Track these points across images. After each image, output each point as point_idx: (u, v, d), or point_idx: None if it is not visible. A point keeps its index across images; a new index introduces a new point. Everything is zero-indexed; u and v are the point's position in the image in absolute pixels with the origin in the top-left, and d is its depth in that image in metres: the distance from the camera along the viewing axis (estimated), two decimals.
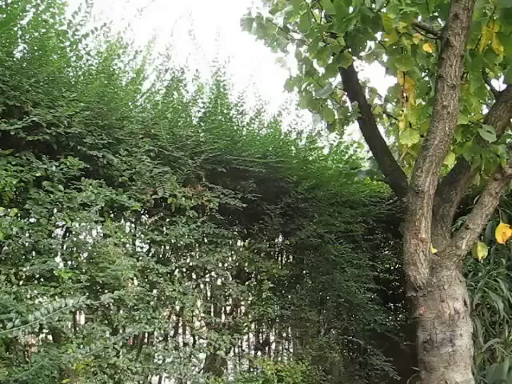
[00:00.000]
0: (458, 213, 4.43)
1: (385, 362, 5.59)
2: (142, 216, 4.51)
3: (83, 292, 3.47)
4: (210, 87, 4.85)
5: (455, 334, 3.50)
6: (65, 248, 3.78)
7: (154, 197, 4.15)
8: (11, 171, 3.45)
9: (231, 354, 5.12)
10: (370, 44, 4.20)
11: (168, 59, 4.66)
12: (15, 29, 3.59)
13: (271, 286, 4.95)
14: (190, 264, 4.67)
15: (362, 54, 4.13)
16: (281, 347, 5.83)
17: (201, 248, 4.71)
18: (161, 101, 4.60)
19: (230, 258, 5.09)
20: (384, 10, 3.61)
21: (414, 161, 4.03)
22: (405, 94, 3.97)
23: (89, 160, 3.84)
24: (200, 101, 4.83)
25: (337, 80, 4.49)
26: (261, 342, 5.64)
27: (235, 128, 4.82)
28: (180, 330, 4.92)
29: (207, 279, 5.03)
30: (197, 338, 4.84)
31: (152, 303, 4.08)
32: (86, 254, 3.87)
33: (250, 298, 5.08)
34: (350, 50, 3.93)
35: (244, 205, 4.57)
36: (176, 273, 4.65)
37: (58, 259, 3.72)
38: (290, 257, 6.00)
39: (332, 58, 4.04)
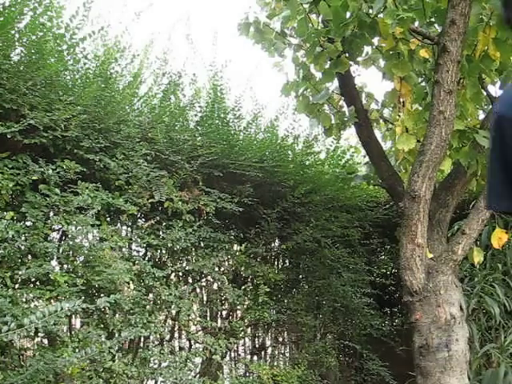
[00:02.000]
0: (455, 218, 4.44)
1: (381, 367, 5.59)
2: (139, 220, 4.50)
3: (79, 296, 3.45)
4: (207, 91, 4.86)
5: (451, 339, 3.50)
6: (61, 251, 3.77)
7: (150, 201, 4.14)
8: (7, 174, 3.44)
9: (227, 358, 5.10)
10: (367, 49, 4.22)
11: (165, 63, 4.66)
12: (12, 32, 3.58)
13: (267, 290, 4.94)
14: (187, 268, 4.66)
15: (359, 59, 4.14)
16: (277, 352, 5.82)
17: (197, 252, 4.70)
18: (158, 105, 4.60)
19: (227, 263, 5.08)
20: (381, 15, 3.62)
21: (410, 166, 4.03)
22: (401, 99, 3.98)
23: (85, 163, 3.83)
24: (197, 105, 4.84)
25: (334, 85, 4.51)
26: (257, 346, 5.63)
27: (232, 132, 4.82)
28: (176, 335, 4.91)
29: (203, 283, 5.02)
30: (193, 342, 4.83)
31: (148, 307, 4.07)
32: (82, 258, 3.86)
33: (246, 303, 5.07)
34: (347, 55, 3.94)
35: (240, 209, 4.57)
36: (172, 277, 4.64)
37: (53, 263, 3.71)
38: (287, 261, 6.00)
39: (329, 62, 4.05)
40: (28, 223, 3.63)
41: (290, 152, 5.23)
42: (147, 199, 4.13)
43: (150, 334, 4.20)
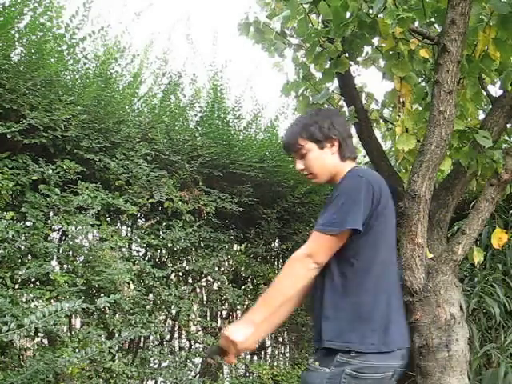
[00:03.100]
0: (455, 218, 4.43)
1: None
2: (139, 220, 4.51)
3: (79, 296, 3.46)
4: (207, 91, 4.86)
5: (451, 339, 3.49)
6: (61, 251, 3.77)
7: (150, 201, 4.14)
8: (7, 174, 3.44)
9: None
10: (367, 49, 4.21)
11: (165, 63, 4.67)
12: (12, 32, 3.58)
13: None
14: (187, 268, 4.66)
15: (359, 59, 4.13)
16: (277, 352, 5.82)
17: (197, 252, 4.70)
18: (158, 105, 4.60)
19: (227, 263, 5.08)
20: (381, 15, 3.61)
21: (410, 166, 4.03)
22: (401, 99, 3.97)
23: (85, 163, 3.83)
24: (197, 105, 4.84)
25: (334, 85, 4.51)
26: (257, 346, 5.63)
27: (232, 132, 4.82)
28: (176, 335, 4.91)
29: (203, 283, 5.02)
30: (193, 342, 4.83)
31: (148, 307, 4.08)
32: (82, 258, 3.86)
33: (247, 303, 5.06)
34: (347, 55, 3.93)
35: (240, 209, 4.57)
36: (172, 277, 4.64)
37: (53, 263, 3.72)
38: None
39: (329, 62, 4.05)
40: (28, 223, 3.63)
41: None
42: (147, 199, 4.13)
43: (150, 334, 4.20)
